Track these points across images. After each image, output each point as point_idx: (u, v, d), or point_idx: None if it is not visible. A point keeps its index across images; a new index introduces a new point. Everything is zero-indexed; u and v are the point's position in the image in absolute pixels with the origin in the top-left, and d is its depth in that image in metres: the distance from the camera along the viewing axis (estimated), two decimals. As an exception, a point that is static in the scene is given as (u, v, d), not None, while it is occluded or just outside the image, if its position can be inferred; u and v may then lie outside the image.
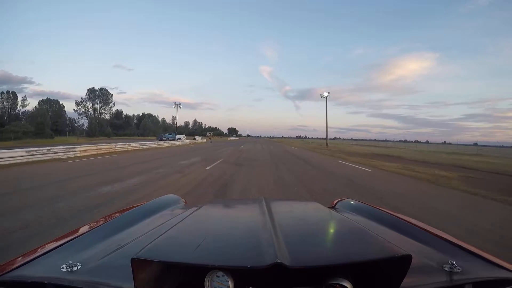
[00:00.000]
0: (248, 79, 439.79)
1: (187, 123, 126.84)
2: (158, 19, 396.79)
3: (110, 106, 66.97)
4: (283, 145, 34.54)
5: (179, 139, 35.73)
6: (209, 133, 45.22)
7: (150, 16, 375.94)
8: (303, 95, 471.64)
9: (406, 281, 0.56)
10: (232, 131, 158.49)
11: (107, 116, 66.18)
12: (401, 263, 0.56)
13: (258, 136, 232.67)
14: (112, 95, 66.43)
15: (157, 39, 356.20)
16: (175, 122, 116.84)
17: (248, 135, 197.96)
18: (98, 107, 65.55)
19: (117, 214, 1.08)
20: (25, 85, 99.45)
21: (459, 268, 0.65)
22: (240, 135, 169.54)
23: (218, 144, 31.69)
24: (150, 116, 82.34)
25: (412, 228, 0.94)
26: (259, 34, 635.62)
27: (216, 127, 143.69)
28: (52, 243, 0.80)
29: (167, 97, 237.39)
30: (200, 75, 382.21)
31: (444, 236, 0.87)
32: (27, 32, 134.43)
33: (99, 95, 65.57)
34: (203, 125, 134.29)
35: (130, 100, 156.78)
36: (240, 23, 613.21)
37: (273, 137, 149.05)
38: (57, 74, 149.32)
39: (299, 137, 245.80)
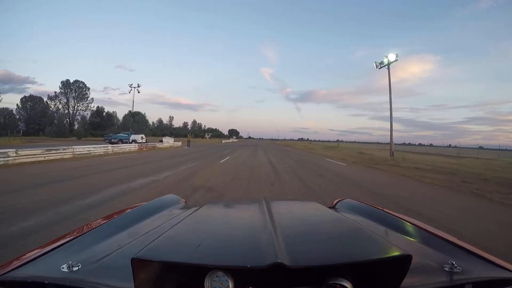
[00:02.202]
0: (249, 81, 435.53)
1: (185, 124, 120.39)
2: (159, 20, 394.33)
3: (87, 101, 57.81)
4: (306, 154, 20.50)
5: (134, 140, 25.06)
6: (189, 134, 31.33)
7: (152, 17, 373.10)
8: (304, 97, 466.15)
9: (406, 281, 0.56)
10: (233, 132, 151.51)
11: (85, 113, 57.42)
12: (401, 263, 0.56)
13: (260, 138, 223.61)
14: (89, 88, 57.14)
15: (158, 40, 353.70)
16: (171, 123, 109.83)
17: (249, 137, 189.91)
18: (72, 102, 56.49)
19: (117, 215, 1.07)
20: (28, 85, 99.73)
21: (459, 268, 0.64)
22: (240, 137, 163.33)
23: (190, 152, 18.11)
24: (136, 114, 73.45)
25: (412, 228, 0.94)
26: (260, 35, 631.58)
27: (216, 128, 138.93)
28: (52, 243, 0.80)
29: (169, 98, 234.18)
30: (201, 77, 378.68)
31: (444, 236, 0.87)
32: (30, 32, 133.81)
33: (76, 89, 56.49)
34: (203, 126, 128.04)
35: (131, 101, 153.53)
36: (241, 24, 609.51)
37: (275, 139, 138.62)
38: (60, 74, 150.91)
39: (301, 139, 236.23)
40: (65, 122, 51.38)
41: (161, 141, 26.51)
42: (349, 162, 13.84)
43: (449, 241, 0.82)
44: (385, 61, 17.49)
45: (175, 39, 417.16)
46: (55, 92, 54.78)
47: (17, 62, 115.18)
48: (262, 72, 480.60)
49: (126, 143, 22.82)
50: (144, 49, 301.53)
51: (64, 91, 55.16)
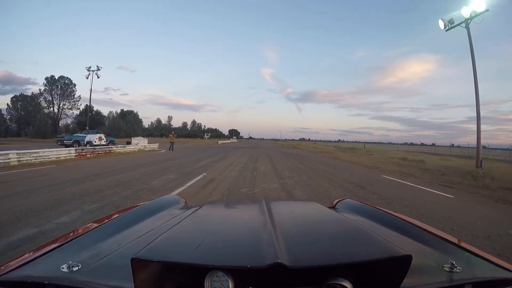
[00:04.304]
0: (250, 81, 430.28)
1: (185, 124, 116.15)
2: (160, 21, 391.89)
3: (74, 99, 52.39)
4: (333, 163, 13.43)
5: (89, 142, 19.73)
6: (172, 133, 23.43)
7: (153, 18, 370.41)
8: (305, 97, 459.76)
9: (406, 281, 0.56)
10: (233, 132, 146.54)
11: (73, 112, 52.33)
12: (401, 263, 0.56)
13: (261, 138, 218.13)
14: (75, 85, 51.93)
15: (159, 41, 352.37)
16: (170, 122, 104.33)
17: (250, 137, 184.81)
18: (57, 100, 51.17)
19: (117, 214, 1.07)
20: (29, 86, 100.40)
21: (459, 268, 0.64)
22: (241, 137, 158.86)
23: (152, 160, 11.61)
24: (129, 113, 68.24)
25: (412, 228, 0.93)
26: (260, 35, 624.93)
27: (216, 129, 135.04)
28: (52, 243, 0.79)
29: (170, 98, 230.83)
30: (202, 77, 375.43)
31: (444, 236, 0.86)
32: (31, 33, 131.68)
33: (62, 86, 51.08)
34: (203, 126, 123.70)
35: (133, 101, 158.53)
36: (241, 25, 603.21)
37: (277, 140, 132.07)
38: (61, 74, 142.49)
39: (302, 139, 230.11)
40: (49, 121, 46.79)
41: (129, 142, 20.97)
42: (434, 184, 7.28)
43: (449, 241, 0.82)
44: (464, 14, 9.38)
45: (176, 40, 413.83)
46: (39, 89, 49.99)
47: (18, 63, 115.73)
48: (263, 72, 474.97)
49: (83, 144, 19.11)
50: (145, 50, 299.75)
51: (49, 88, 49.95)
